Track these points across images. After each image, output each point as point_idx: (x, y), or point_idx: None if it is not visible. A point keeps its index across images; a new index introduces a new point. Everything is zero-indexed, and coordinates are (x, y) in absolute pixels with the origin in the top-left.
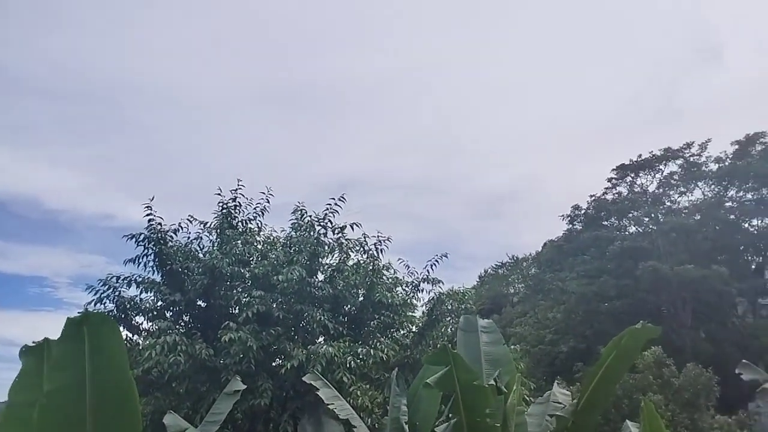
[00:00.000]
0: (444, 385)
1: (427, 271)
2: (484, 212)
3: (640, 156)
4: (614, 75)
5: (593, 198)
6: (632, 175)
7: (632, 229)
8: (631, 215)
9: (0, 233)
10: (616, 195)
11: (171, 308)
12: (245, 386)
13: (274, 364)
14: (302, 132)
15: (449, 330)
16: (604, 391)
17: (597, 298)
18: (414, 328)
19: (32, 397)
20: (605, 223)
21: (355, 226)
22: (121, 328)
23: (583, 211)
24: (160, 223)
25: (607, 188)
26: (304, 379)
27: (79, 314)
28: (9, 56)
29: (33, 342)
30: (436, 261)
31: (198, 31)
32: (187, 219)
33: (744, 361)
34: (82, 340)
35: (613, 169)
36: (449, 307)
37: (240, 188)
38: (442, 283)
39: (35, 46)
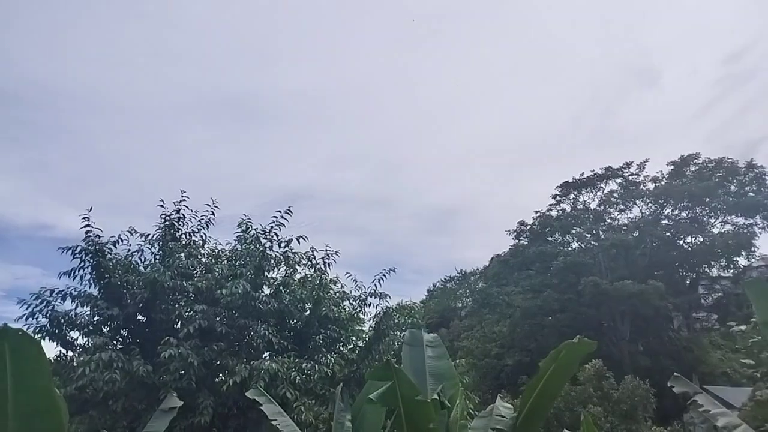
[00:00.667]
0: (387, 400)
1: (375, 285)
2: (433, 227)
3: (582, 174)
4: (556, 95)
5: (538, 214)
6: (575, 193)
7: (575, 244)
8: (574, 231)
9: None
10: (560, 211)
11: (108, 323)
12: (182, 402)
13: (216, 380)
14: (248, 144)
15: (396, 344)
16: (543, 403)
17: (541, 311)
18: (361, 343)
19: None
20: (550, 238)
21: (302, 240)
22: (55, 344)
23: (528, 227)
24: (98, 235)
25: (551, 205)
26: (246, 394)
27: None
28: None
29: None
30: (384, 275)
31: (138, 36)
32: (128, 231)
33: (675, 374)
34: (2, 355)
35: (557, 187)
36: (397, 321)
37: (184, 200)
38: (389, 297)
39: None
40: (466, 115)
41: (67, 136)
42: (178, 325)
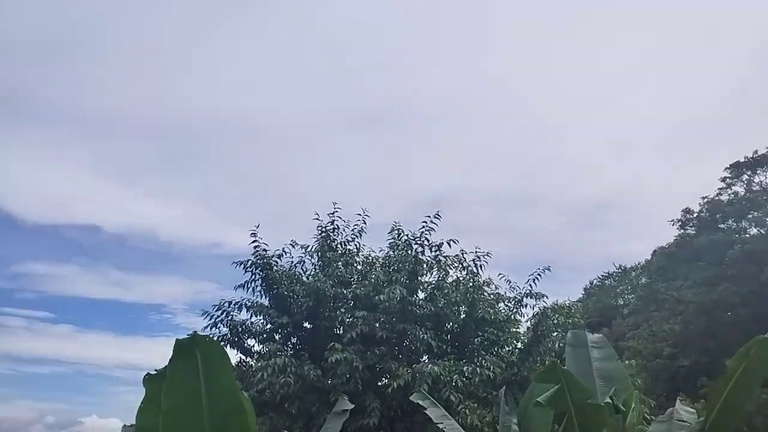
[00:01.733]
0: (556, 403)
1: (530, 285)
2: (585, 222)
3: (756, 152)
4: (717, 66)
5: (706, 200)
6: (749, 173)
7: (753, 231)
8: (750, 216)
9: (121, 266)
10: (732, 195)
11: (279, 331)
12: (353, 405)
13: (380, 383)
14: (390, 152)
15: (557, 345)
16: (734, 407)
17: (718, 307)
18: (519, 345)
19: (157, 422)
20: (721, 225)
21: (452, 243)
22: (235, 351)
23: (695, 215)
24: (265, 249)
25: (721, 189)
26: (411, 398)
27: (187, 336)
28: (113, 99)
29: (154, 370)
30: (539, 274)
31: (277, 62)
32: (290, 244)
33: None
34: (194, 360)
35: (727, 168)
36: (555, 322)
37: (336, 211)
38: (546, 297)
39: (133, 88)
40: (614, 99)
41: (229, 162)
42: (341, 331)
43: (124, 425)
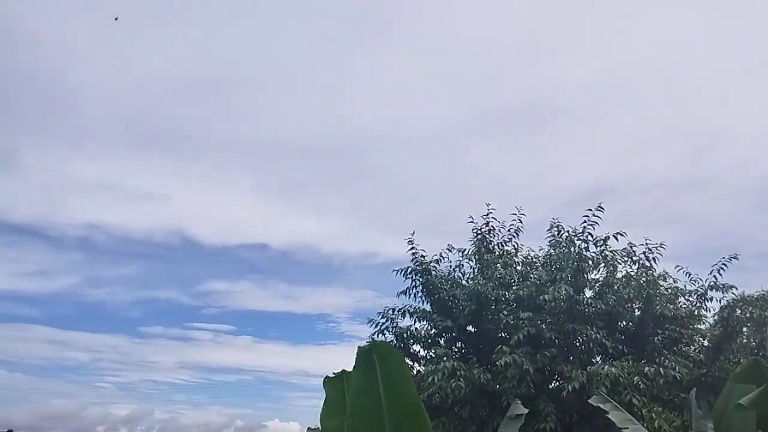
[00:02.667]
0: (761, 405)
1: (714, 276)
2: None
3: None
4: None
5: None
6: None
7: None
8: None
9: (288, 279)
10: None
11: (443, 335)
12: (527, 410)
13: (552, 386)
14: (536, 148)
15: (752, 341)
16: None
17: None
18: (706, 342)
19: (339, 422)
20: None
21: (619, 236)
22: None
23: None
24: (422, 256)
25: None
26: (590, 401)
27: (367, 343)
28: (270, 126)
29: (333, 373)
30: (724, 264)
31: (418, 71)
32: (447, 249)
33: None
34: (374, 366)
35: None
36: (747, 316)
37: (490, 212)
38: (735, 288)
39: (287, 113)
40: None
41: (380, 174)
42: (506, 334)
43: (308, 428)
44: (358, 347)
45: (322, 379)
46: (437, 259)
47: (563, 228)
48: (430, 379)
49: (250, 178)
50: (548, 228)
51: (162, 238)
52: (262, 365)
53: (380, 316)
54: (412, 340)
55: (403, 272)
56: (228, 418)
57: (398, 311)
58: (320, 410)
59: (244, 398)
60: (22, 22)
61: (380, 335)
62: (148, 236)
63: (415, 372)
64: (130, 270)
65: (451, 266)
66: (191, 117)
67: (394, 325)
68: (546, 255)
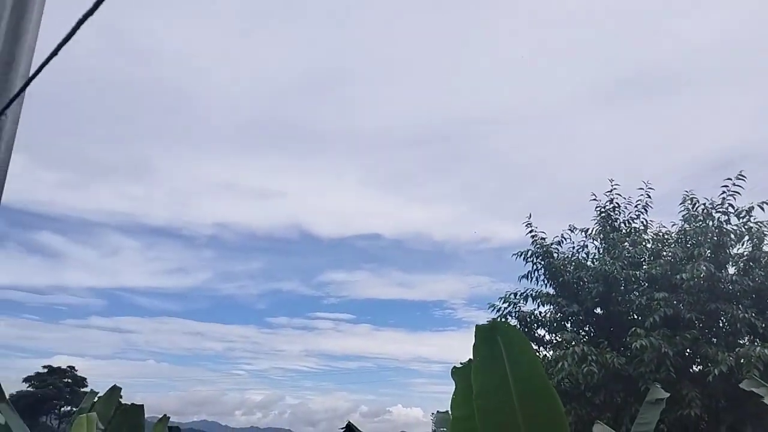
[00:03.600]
0: None
1: None
2: None
3: None
4: None
5: None
6: None
7: None
8: None
9: (402, 267)
10: None
11: (570, 319)
12: (669, 394)
13: (694, 370)
14: (657, 118)
15: None
16: None
17: None
18: None
19: (470, 411)
20: None
21: (765, 206)
22: None
23: None
24: (543, 238)
25: None
26: (741, 386)
27: (487, 323)
28: (376, 118)
29: (460, 363)
30: None
31: (524, 49)
32: (568, 229)
33: None
34: (496, 346)
35: None
36: None
37: (614, 188)
38: None
39: (392, 105)
40: None
41: (487, 158)
42: (638, 316)
43: (437, 411)
44: (477, 326)
45: (443, 365)
46: (559, 241)
47: (698, 200)
48: (558, 365)
49: (362, 172)
50: (681, 201)
51: (282, 233)
52: (382, 352)
53: (501, 301)
54: (536, 325)
55: (523, 256)
56: (353, 403)
57: (520, 295)
58: (450, 399)
59: (367, 384)
60: (146, 36)
61: (502, 320)
62: (269, 232)
63: (541, 357)
64: (256, 264)
65: (574, 247)
66: (303, 115)
67: (517, 309)
68: (680, 230)
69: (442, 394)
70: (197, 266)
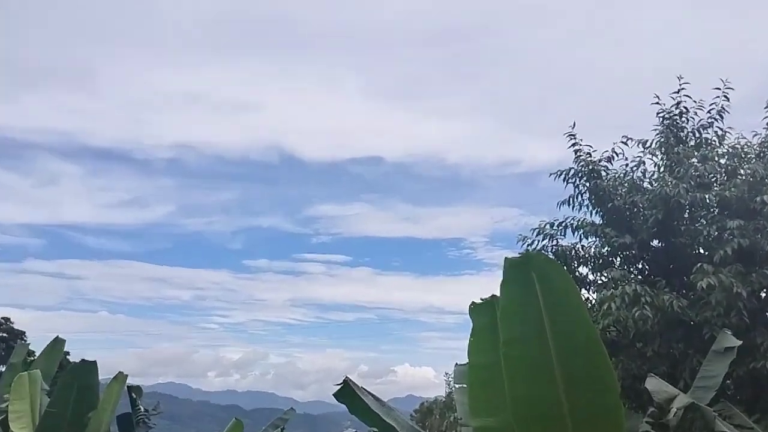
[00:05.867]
0: None
1: None
2: None
3: None
4: None
5: None
6: None
7: None
8: None
9: (409, 198)
10: None
11: (620, 253)
12: (740, 342)
13: None
14: (739, 4)
15: None
16: None
17: None
18: None
19: (492, 357)
20: None
21: None
22: None
23: None
24: (589, 153)
25: None
26: None
27: (519, 255)
28: (378, 12)
29: (481, 299)
30: None
31: None
32: (621, 142)
33: None
34: (530, 283)
35: None
36: None
37: (683, 88)
38: None
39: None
40: None
41: (518, 62)
42: (705, 249)
43: (456, 364)
44: (506, 258)
45: (458, 316)
46: (608, 157)
47: None
48: (604, 308)
49: (359, 78)
50: (765, 106)
51: (260, 156)
52: (385, 301)
53: (535, 233)
54: (577, 262)
55: (563, 176)
56: (350, 362)
57: (558, 225)
58: (467, 344)
59: (367, 339)
60: None
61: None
62: (245, 154)
63: (584, 299)
64: (228, 195)
65: (627, 165)
66: (286, 8)
67: (554, 243)
68: (763, 142)
69: (458, 351)
70: (155, 197)
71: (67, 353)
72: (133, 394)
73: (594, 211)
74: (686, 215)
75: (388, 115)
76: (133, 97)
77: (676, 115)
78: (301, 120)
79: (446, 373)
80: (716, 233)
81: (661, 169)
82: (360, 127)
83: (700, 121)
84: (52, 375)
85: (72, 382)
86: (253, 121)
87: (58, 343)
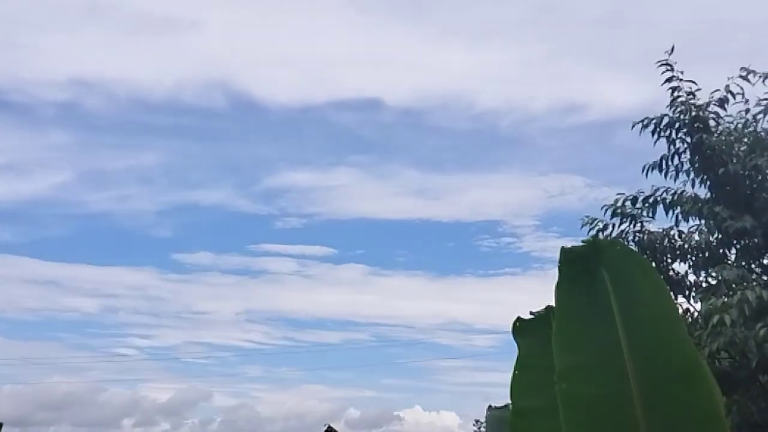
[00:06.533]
0: None
1: None
2: None
3: None
4: None
5: None
6: None
7: None
8: None
9: (420, 161)
10: None
11: (735, 243)
12: None
13: None
14: None
15: None
16: None
17: None
18: None
19: (546, 400)
20: None
21: None
22: None
23: None
24: (692, 93)
25: None
26: None
27: (582, 243)
28: None
29: (530, 312)
30: None
31: None
32: (740, 76)
33: None
34: (600, 283)
35: None
36: None
37: None
38: None
39: None
40: None
41: None
42: None
43: (489, 406)
44: (563, 248)
45: (495, 336)
46: (721, 99)
47: None
48: (713, 323)
49: None
50: None
51: (197, 98)
52: (386, 314)
53: (609, 213)
54: (672, 255)
55: (653, 128)
56: (335, 404)
57: (645, 202)
58: (510, 379)
59: (360, 370)
60: None
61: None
62: (174, 96)
63: (681, 311)
64: (151, 157)
65: (749, 112)
66: None
67: (637, 227)
68: None
69: (494, 388)
70: (42, 161)
71: None
72: None
73: (699, 181)
74: None
75: (389, 35)
76: (7, 10)
77: None
78: (259, 45)
79: (477, 422)
80: None
81: None
82: (348, 55)
83: None
84: None
85: None
86: (188, 46)
87: None
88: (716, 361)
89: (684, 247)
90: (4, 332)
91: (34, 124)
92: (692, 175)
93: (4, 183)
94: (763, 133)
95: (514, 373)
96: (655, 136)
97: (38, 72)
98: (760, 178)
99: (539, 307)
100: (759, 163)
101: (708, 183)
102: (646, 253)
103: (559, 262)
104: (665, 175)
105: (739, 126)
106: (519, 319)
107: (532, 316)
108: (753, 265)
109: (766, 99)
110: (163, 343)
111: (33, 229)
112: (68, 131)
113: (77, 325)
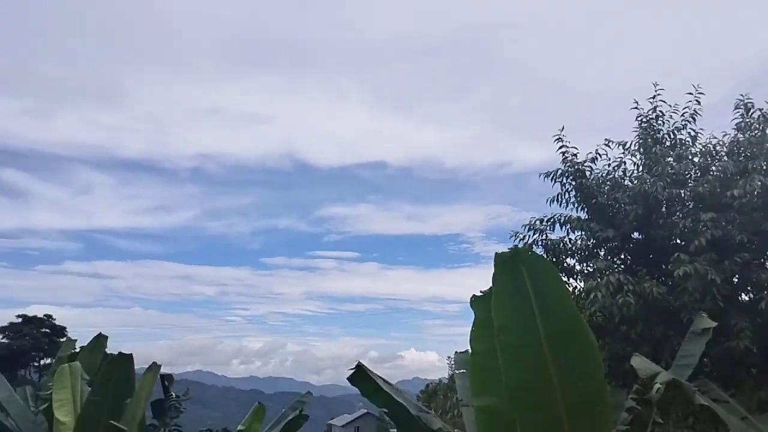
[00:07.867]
0: None
1: None
2: None
3: None
4: None
5: None
6: None
7: None
8: None
9: (411, 199)
10: None
11: (604, 246)
12: (716, 324)
13: (743, 299)
14: (704, 18)
15: None
16: None
17: None
18: None
19: (492, 344)
20: None
21: None
22: None
23: None
24: (575, 154)
25: None
26: None
27: (508, 250)
28: (379, 29)
29: (480, 291)
30: None
31: None
32: (604, 144)
33: None
34: (519, 276)
35: None
36: None
37: (658, 94)
38: None
39: (396, 14)
40: None
41: (509, 72)
42: (682, 240)
43: (455, 352)
44: (496, 254)
45: (459, 305)
46: (593, 158)
47: (753, 106)
48: (591, 296)
49: (364, 90)
50: (734, 108)
51: (274, 163)
52: (392, 293)
53: (526, 229)
54: (565, 254)
55: (551, 176)
56: (361, 348)
57: (547, 222)
58: (468, 331)
59: (376, 328)
60: None
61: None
62: (260, 162)
63: (571, 289)
64: (247, 199)
65: (609, 165)
66: (294, 27)
67: (544, 237)
68: (732, 141)
69: (459, 336)
70: (180, 203)
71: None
72: (166, 382)
73: (580, 208)
74: (663, 209)
75: (390, 123)
76: (158, 111)
77: (652, 118)
78: (311, 129)
79: (449, 357)
80: (691, 225)
81: (640, 168)
82: (365, 134)
83: (674, 123)
84: (97, 367)
85: (110, 373)
86: (268, 132)
87: (100, 338)
88: (593, 319)
89: (572, 249)
90: (159, 308)
91: (175, 181)
92: (576, 204)
93: (158, 218)
94: (618, 178)
95: (472, 329)
96: (553, 181)
97: (179, 149)
98: (617, 206)
99: (485, 288)
100: (617, 196)
101: (586, 209)
102: (549, 253)
103: (495, 262)
104: (560, 205)
105: (604, 174)
106: (474, 295)
107: (481, 294)
108: (614, 259)
109: (619, 157)
110: (256, 313)
111: (175, 245)
112: (196, 185)
113: (203, 303)
